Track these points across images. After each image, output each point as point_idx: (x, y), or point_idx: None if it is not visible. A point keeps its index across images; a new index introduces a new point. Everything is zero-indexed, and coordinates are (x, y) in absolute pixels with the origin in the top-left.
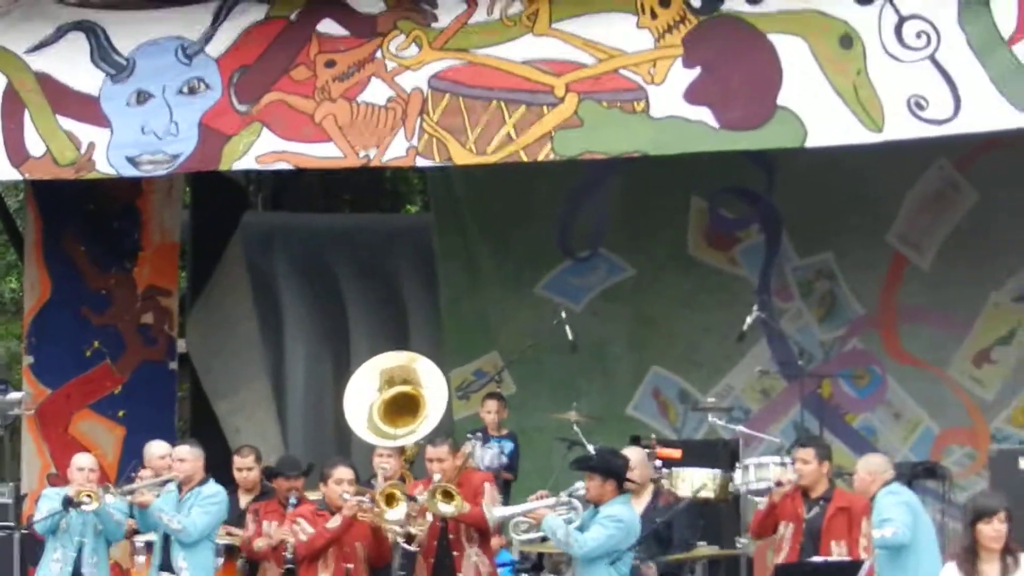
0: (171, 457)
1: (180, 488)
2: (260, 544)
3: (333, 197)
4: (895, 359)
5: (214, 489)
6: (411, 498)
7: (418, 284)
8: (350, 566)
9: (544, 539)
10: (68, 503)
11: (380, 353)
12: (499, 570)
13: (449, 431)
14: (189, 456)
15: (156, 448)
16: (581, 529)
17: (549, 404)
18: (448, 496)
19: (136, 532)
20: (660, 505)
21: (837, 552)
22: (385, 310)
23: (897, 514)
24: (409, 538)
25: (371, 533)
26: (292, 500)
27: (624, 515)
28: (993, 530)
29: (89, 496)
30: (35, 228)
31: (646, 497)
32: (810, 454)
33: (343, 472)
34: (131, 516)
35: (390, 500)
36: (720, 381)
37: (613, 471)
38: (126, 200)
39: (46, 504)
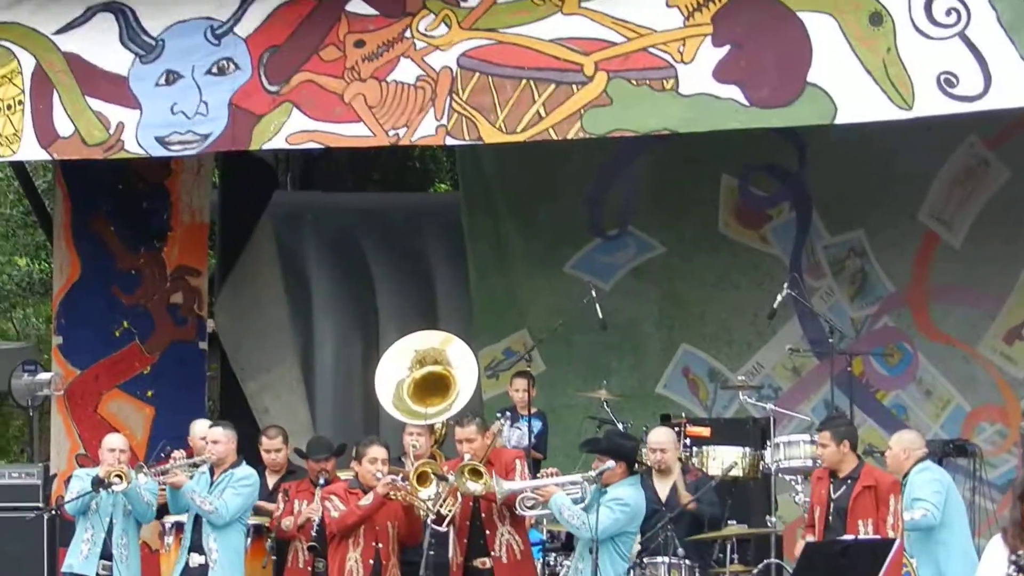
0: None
1: (212, 470)
2: (287, 523)
3: (362, 176)
4: (926, 337)
5: (247, 472)
6: (442, 477)
7: (447, 263)
8: (380, 545)
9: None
10: (98, 484)
11: (409, 332)
12: None
13: (478, 410)
14: (223, 438)
15: (201, 426)
16: (587, 509)
17: (579, 382)
18: (476, 474)
19: (166, 512)
20: (689, 481)
21: (863, 531)
22: (414, 289)
23: (929, 494)
24: (439, 518)
25: (403, 512)
26: (322, 480)
27: (631, 498)
28: None
29: (119, 477)
30: (64, 208)
31: (675, 476)
32: (826, 437)
33: (377, 451)
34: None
35: (422, 479)
36: (750, 359)
37: (622, 453)
38: (155, 180)
39: (76, 485)
